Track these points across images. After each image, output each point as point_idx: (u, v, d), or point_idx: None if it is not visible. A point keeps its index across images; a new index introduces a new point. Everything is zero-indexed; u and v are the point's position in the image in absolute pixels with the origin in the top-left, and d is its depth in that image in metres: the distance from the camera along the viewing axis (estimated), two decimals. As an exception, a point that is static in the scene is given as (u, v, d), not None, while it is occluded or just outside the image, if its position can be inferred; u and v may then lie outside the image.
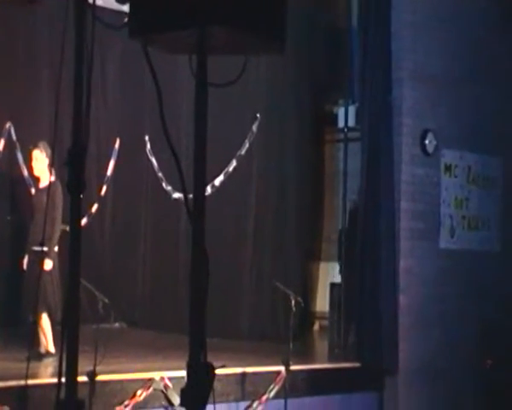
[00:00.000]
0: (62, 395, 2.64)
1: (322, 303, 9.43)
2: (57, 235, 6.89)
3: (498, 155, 9.02)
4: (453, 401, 8.16)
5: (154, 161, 10.13)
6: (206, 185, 10.13)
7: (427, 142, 8.31)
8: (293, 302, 6.97)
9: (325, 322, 9.17)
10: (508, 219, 9.05)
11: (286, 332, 6.96)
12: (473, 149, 8.79)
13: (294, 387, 6.90)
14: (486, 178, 8.92)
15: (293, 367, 6.76)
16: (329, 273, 9.62)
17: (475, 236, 8.77)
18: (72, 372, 2.66)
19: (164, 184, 9.92)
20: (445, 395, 8.13)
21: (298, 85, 9.62)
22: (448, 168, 8.56)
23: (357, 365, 7.67)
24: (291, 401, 6.72)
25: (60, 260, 6.96)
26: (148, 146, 10.21)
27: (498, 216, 9.02)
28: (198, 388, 2.70)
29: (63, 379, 2.64)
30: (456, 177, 8.62)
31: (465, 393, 8.27)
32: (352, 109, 9.35)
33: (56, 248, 6.98)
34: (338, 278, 8.83)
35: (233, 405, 6.63)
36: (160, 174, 10.00)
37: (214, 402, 2.98)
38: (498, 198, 9.03)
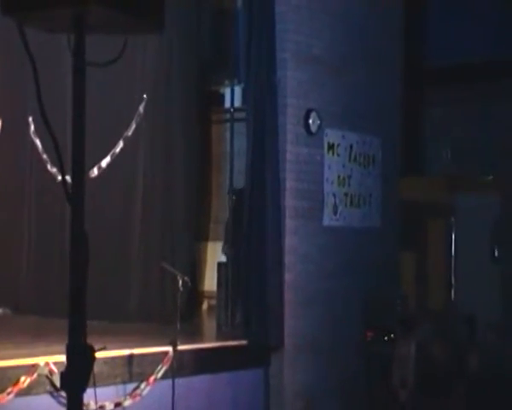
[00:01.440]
0: None
1: (211, 283, 9.50)
2: None
3: (377, 134, 9.32)
4: (337, 374, 8.41)
5: (38, 142, 9.91)
6: (92, 167, 9.91)
7: (310, 121, 8.46)
8: (180, 283, 6.99)
9: (214, 301, 9.24)
10: (386, 195, 9.38)
11: (174, 313, 6.97)
12: (354, 129, 9.03)
13: (182, 367, 6.94)
14: (367, 157, 9.20)
15: (180, 347, 6.80)
16: (218, 253, 9.68)
17: (357, 213, 9.04)
18: None
19: (49, 166, 9.72)
20: (330, 368, 8.37)
21: (184, 66, 9.60)
22: (331, 147, 8.76)
23: (243, 342, 7.78)
24: (179, 381, 6.77)
25: None
26: (32, 127, 9.97)
27: (378, 193, 9.33)
28: (77, 371, 2.70)
29: None
30: (338, 155, 8.83)
31: (348, 365, 8.54)
32: (238, 90, 9.41)
33: None
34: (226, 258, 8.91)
35: (120, 387, 6.61)
36: (44, 156, 9.79)
37: (95, 385, 2.98)
38: (377, 176, 9.34)
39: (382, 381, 7.98)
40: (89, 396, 2.74)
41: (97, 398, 5.67)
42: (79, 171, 2.89)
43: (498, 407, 6.21)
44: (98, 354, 2.78)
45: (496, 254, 10.74)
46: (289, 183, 8.26)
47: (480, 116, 10.94)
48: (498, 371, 7.09)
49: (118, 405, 6.52)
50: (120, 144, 9.35)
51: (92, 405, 5.92)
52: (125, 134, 9.32)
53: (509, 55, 10.41)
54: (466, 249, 10.51)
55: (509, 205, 10.72)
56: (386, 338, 8.35)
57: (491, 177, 10.96)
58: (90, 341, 2.69)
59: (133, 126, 9.33)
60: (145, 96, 9.32)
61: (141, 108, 9.32)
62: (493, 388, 6.62)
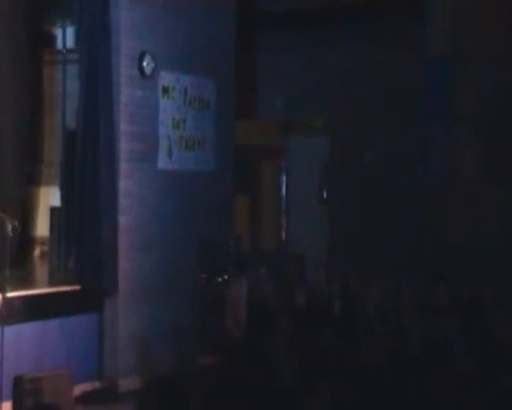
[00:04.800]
0: None
1: (44, 228, 9.28)
2: None
3: (212, 77, 9.33)
4: (172, 318, 8.46)
5: None
6: None
7: (144, 64, 8.39)
8: (9, 228, 6.79)
9: (46, 247, 9.04)
10: (221, 139, 9.46)
11: (3, 259, 6.76)
12: (189, 72, 9.01)
13: (12, 314, 6.79)
14: (201, 100, 9.21)
15: (10, 294, 6.63)
16: (51, 198, 9.46)
17: (192, 156, 9.07)
18: None
19: None
20: (165, 311, 8.42)
21: (12, 4, 9.21)
22: (166, 90, 8.71)
23: (76, 288, 7.69)
24: (8, 329, 6.59)
25: None
26: None
27: (213, 136, 9.37)
28: None
29: None
30: (173, 99, 8.80)
31: (183, 308, 8.61)
32: (70, 30, 9.13)
33: None
34: (59, 202, 8.72)
35: None
36: None
37: None
38: (212, 119, 9.37)
39: (216, 322, 8.12)
40: None
41: None
42: None
43: (324, 340, 6.47)
44: None
45: (324, 195, 11.13)
46: (123, 125, 8.16)
47: (312, 61, 11.16)
48: (325, 307, 7.40)
49: None
50: None
51: None
52: (-51, 75, 8.85)
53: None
54: (296, 191, 10.82)
55: (337, 149, 11.10)
56: (219, 280, 8.49)
57: (320, 121, 11.28)
58: None
59: (-43, 67, 8.87)
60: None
61: (-36, 48, 8.87)
62: (320, 323, 6.89)
